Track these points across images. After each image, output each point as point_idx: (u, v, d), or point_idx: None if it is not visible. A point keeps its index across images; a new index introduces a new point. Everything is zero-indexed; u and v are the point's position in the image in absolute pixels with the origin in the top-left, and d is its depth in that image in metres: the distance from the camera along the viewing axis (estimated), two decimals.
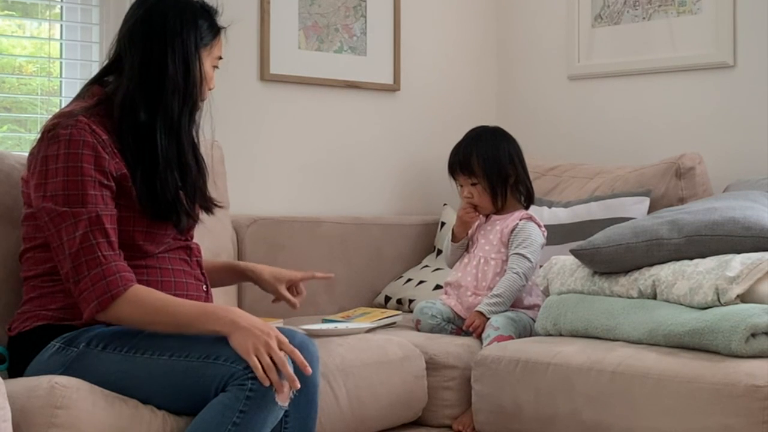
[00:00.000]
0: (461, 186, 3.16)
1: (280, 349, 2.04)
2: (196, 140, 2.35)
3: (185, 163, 2.30)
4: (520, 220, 3.07)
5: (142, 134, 2.23)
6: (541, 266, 3.01)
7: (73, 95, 3.21)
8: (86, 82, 2.38)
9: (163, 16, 2.26)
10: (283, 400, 2.05)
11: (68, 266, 2.10)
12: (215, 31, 2.35)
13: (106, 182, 2.16)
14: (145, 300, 2.10)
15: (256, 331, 2.04)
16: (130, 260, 2.18)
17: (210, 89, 2.35)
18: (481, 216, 3.18)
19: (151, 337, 2.12)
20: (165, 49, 2.25)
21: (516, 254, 3.02)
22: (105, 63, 2.34)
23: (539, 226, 3.09)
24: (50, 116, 2.28)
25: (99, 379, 2.09)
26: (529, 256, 3.01)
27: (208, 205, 2.41)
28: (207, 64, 2.33)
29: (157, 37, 2.25)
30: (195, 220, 2.37)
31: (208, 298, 2.36)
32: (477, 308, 2.97)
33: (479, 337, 2.94)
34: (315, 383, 2.24)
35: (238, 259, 3.20)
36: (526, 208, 3.16)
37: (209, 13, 2.35)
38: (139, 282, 2.15)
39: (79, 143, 2.14)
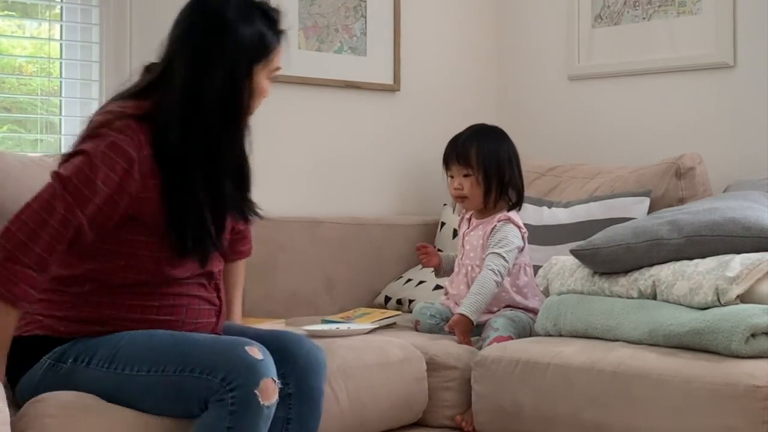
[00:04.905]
0: (452, 177, 3.15)
1: None
2: (245, 154, 2.20)
3: (220, 189, 2.16)
4: (498, 221, 3.06)
5: (175, 156, 2.11)
6: (537, 266, 3.02)
7: (73, 95, 3.25)
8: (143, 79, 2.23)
9: (221, 23, 2.12)
10: (268, 398, 2.00)
11: (16, 215, 2.04)
12: (275, 41, 2.19)
13: (117, 203, 2.07)
14: None
15: None
16: (146, 287, 2.14)
17: (264, 97, 2.22)
18: (465, 221, 3.18)
19: (128, 347, 2.08)
20: (214, 61, 2.11)
21: (492, 253, 3.01)
22: (149, 66, 2.21)
23: (519, 227, 3.07)
24: (107, 101, 2.18)
25: (89, 393, 2.08)
26: (504, 255, 2.99)
27: (245, 215, 2.29)
28: (261, 76, 2.18)
29: (208, 46, 2.12)
30: (221, 249, 2.26)
31: (218, 324, 2.30)
32: (458, 311, 2.95)
33: (464, 340, 2.93)
34: (320, 390, 2.23)
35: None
36: (513, 208, 3.13)
37: (273, 21, 2.20)
38: (150, 307, 2.13)
39: (120, 152, 2.06)
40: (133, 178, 2.07)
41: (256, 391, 1.98)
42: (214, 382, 1.99)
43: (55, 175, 2.06)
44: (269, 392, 2.01)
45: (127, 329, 2.13)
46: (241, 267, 2.56)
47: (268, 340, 2.17)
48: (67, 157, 2.10)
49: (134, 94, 2.19)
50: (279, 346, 2.16)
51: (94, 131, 2.09)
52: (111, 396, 2.07)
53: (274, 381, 2.02)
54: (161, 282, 2.16)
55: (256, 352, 2.03)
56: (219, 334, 2.26)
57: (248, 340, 2.07)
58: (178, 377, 2.02)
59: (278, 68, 2.22)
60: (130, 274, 2.14)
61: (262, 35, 2.16)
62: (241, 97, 2.14)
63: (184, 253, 2.14)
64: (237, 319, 2.53)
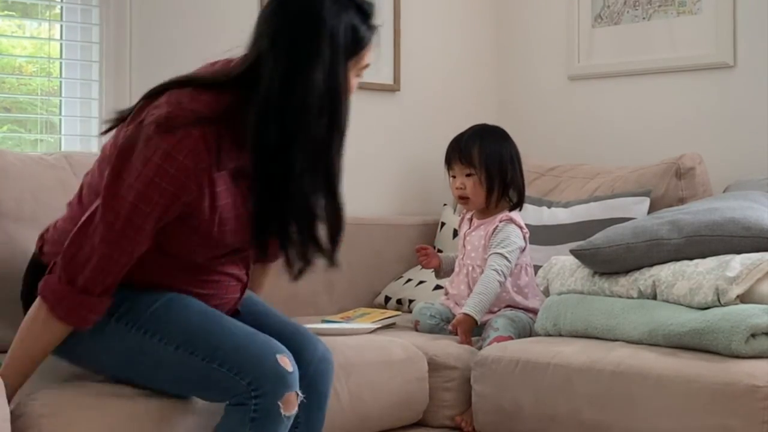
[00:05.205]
0: (454, 177, 3.15)
1: None
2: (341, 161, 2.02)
3: (321, 203, 2.02)
4: (500, 222, 3.06)
5: (276, 161, 1.97)
6: (538, 266, 3.02)
7: (73, 95, 3.25)
8: (220, 72, 2.06)
9: (317, 16, 1.96)
10: (289, 410, 2.01)
11: (84, 241, 1.97)
12: (368, 36, 2.03)
13: (170, 216, 1.98)
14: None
15: None
16: (174, 266, 2.10)
17: (351, 94, 2.05)
18: (466, 221, 3.18)
19: (161, 313, 2.05)
20: (310, 57, 1.94)
21: (494, 253, 3.01)
22: (233, 62, 2.05)
23: (521, 228, 3.07)
24: (173, 82, 2.01)
25: (108, 349, 2.07)
26: (507, 255, 3.00)
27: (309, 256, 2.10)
28: (352, 73, 2.03)
29: (304, 41, 1.95)
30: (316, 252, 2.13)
31: (240, 299, 2.26)
32: (462, 310, 2.95)
33: (465, 340, 2.93)
34: (327, 395, 2.23)
35: None
36: (514, 209, 3.13)
37: (366, 15, 2.03)
38: (194, 281, 2.10)
39: (176, 163, 1.91)
40: (190, 190, 1.96)
41: (279, 402, 1.99)
42: (240, 384, 1.99)
43: (108, 218, 1.96)
44: (291, 404, 2.01)
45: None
46: (269, 270, 2.48)
47: (284, 335, 2.16)
48: (115, 175, 1.97)
49: (208, 84, 2.02)
50: (294, 348, 2.13)
51: (154, 136, 1.93)
52: (130, 357, 2.06)
53: (298, 394, 2.03)
54: (190, 265, 2.13)
55: (287, 363, 2.02)
56: (238, 311, 2.25)
57: (280, 346, 2.05)
58: (205, 366, 2.01)
59: (368, 65, 2.07)
60: (181, 253, 2.10)
61: (355, 29, 2.01)
62: (340, 95, 1.98)
63: (263, 252, 2.09)
64: None
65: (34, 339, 2.03)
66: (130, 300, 2.08)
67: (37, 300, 2.02)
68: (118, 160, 1.96)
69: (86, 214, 2.01)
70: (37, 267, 2.15)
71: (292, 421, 2.05)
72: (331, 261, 2.09)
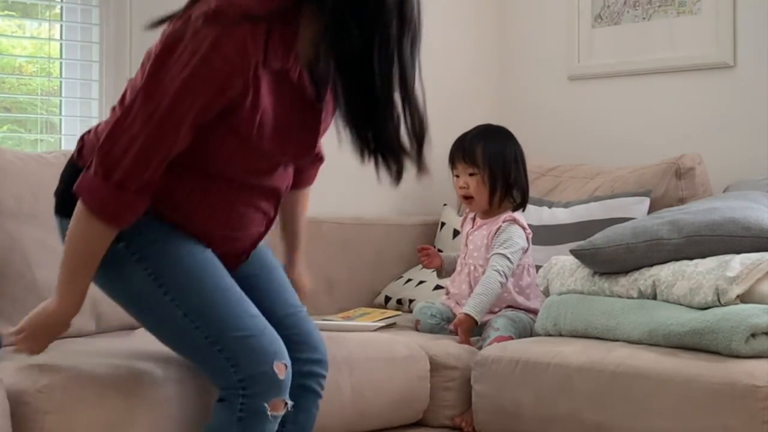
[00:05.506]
0: (457, 176, 3.15)
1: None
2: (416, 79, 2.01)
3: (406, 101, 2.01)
4: (503, 222, 3.06)
5: (354, 59, 1.95)
6: (538, 266, 3.02)
7: (73, 96, 3.25)
8: None
9: None
10: (276, 411, 2.03)
11: (121, 134, 1.93)
12: None
13: (212, 111, 1.95)
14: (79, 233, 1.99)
15: (45, 331, 2.05)
16: (205, 188, 2.06)
17: None
18: (468, 220, 3.18)
19: (180, 276, 2.04)
20: None
21: (496, 254, 3.01)
22: None
23: (524, 228, 3.07)
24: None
25: (123, 288, 2.07)
26: (509, 256, 2.99)
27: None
28: None
29: None
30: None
31: (263, 234, 2.22)
32: (463, 310, 2.96)
33: (465, 339, 2.93)
34: (317, 394, 2.23)
35: None
36: (517, 209, 3.13)
37: None
38: (206, 201, 2.06)
39: (223, 56, 1.89)
40: (233, 85, 1.93)
41: (266, 404, 2.01)
42: (232, 378, 2.00)
43: (154, 93, 1.92)
44: (278, 408, 2.03)
45: (189, 223, 2.08)
46: (307, 194, 2.50)
47: (287, 324, 2.17)
48: (157, 67, 1.93)
49: None
50: (294, 341, 2.15)
51: (200, 29, 1.90)
52: (141, 304, 2.06)
53: (286, 402, 2.05)
54: (220, 178, 2.09)
55: (282, 371, 2.03)
56: (254, 246, 2.22)
57: (281, 351, 2.04)
58: (205, 344, 2.01)
59: None
60: (217, 160, 2.06)
61: None
62: (414, 7, 1.98)
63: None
64: (300, 247, 2.49)
65: (78, 243, 2.00)
66: (157, 246, 2.06)
67: (78, 202, 1.99)
68: (163, 51, 1.93)
69: (124, 108, 1.97)
70: (74, 169, 2.10)
71: (279, 420, 2.06)
72: (419, 165, 2.09)
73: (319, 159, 2.45)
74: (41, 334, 2.09)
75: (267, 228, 2.24)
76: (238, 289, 2.09)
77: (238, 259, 2.22)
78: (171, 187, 2.05)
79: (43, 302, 2.09)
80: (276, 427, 2.06)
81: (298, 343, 2.19)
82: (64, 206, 2.07)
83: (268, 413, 2.01)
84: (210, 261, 2.10)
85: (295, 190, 2.40)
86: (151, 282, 2.04)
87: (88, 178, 1.98)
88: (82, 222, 1.98)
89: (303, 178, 2.44)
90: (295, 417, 2.18)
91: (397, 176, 2.10)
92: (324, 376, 2.25)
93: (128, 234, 2.03)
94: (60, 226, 2.12)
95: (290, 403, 2.06)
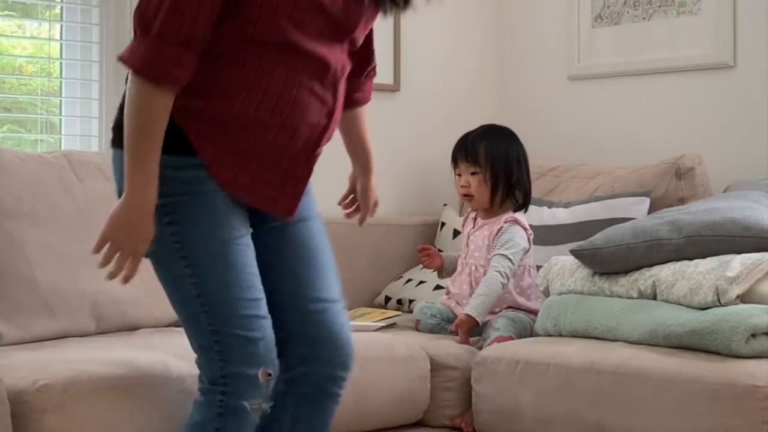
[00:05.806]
0: (459, 175, 3.15)
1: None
2: None
3: None
4: (505, 222, 3.06)
5: None
6: (538, 266, 3.02)
7: (73, 96, 3.25)
8: None
9: None
10: (254, 406, 2.02)
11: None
12: None
13: None
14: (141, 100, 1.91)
15: (128, 229, 1.91)
16: (246, 52, 1.96)
17: None
18: (470, 220, 3.18)
19: (207, 262, 1.98)
20: None
21: (498, 255, 3.01)
22: None
23: (525, 229, 3.08)
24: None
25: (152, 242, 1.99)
26: (510, 256, 3.00)
27: None
28: None
29: None
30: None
31: (328, 127, 2.10)
32: (464, 311, 2.96)
33: (465, 340, 2.93)
34: (333, 397, 2.19)
35: None
36: (519, 210, 3.13)
37: None
38: (233, 87, 1.97)
39: None
40: None
41: (245, 402, 2.01)
42: (218, 372, 1.99)
43: None
44: (255, 405, 2.03)
45: (242, 130, 2.00)
46: (365, 113, 2.37)
47: (314, 320, 2.13)
48: None
49: None
50: (316, 338, 2.11)
51: None
52: (159, 262, 2.01)
53: (261, 405, 2.03)
54: (287, 45, 1.99)
55: (264, 375, 2.02)
56: (320, 144, 2.12)
57: (271, 357, 2.03)
58: (207, 331, 1.98)
59: None
60: (262, 18, 1.96)
61: None
62: None
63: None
64: (371, 161, 2.43)
65: (135, 117, 1.91)
66: (190, 216, 1.99)
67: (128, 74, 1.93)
68: None
69: None
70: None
71: (259, 413, 2.03)
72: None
73: (373, 71, 2.33)
74: (127, 237, 1.93)
75: (329, 121, 2.09)
76: (259, 284, 2.04)
77: (296, 186, 2.16)
78: (214, 77, 1.97)
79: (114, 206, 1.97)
80: (257, 419, 2.04)
81: (320, 341, 2.13)
82: (119, 134, 1.98)
83: (248, 408, 2.01)
84: (243, 250, 2.03)
85: (353, 110, 2.31)
86: (172, 251, 1.98)
87: (130, 44, 1.93)
88: (133, 90, 1.91)
89: (358, 97, 2.31)
90: (309, 417, 2.16)
91: (405, 3, 2.09)
92: (344, 378, 2.19)
93: (165, 191, 1.95)
94: (114, 158, 2.04)
95: (266, 405, 2.04)
